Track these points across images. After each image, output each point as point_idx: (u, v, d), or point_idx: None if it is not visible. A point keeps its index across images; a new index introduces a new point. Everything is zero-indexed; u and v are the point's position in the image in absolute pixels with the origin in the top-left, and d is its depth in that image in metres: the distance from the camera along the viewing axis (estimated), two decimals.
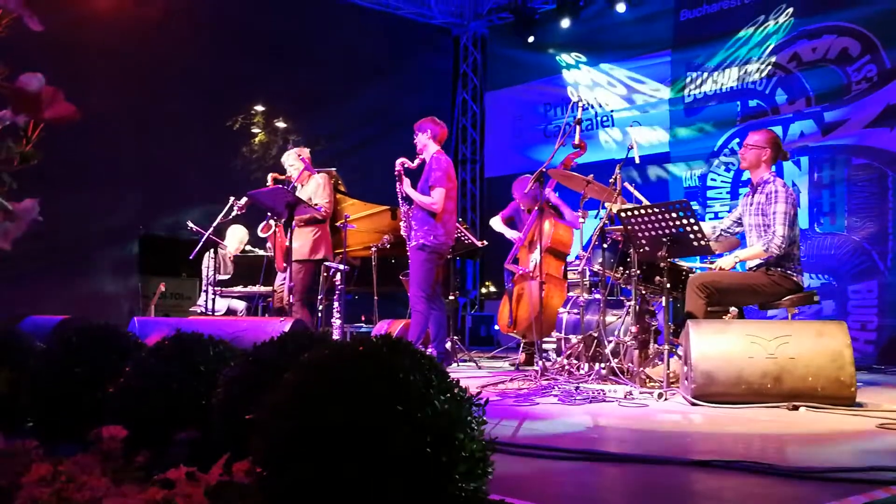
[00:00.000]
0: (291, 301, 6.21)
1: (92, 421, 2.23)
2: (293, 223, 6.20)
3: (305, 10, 10.59)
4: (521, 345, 7.53)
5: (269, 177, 6.84)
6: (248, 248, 8.59)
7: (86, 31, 8.40)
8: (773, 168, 5.33)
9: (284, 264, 6.31)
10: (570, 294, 6.82)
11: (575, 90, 10.76)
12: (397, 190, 6.28)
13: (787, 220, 4.98)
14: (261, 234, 7.17)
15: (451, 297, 7.71)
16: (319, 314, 7.07)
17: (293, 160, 6.92)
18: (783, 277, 5.01)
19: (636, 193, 6.00)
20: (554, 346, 6.61)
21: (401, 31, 11.73)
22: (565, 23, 10.68)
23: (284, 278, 6.34)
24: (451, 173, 6.27)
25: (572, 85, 10.87)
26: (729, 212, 9.03)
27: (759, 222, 5.14)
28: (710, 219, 9.07)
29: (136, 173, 9.16)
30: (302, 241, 6.52)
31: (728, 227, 5.48)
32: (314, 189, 6.71)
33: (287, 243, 6.19)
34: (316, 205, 6.55)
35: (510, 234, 7.41)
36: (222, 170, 9.85)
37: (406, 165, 6.25)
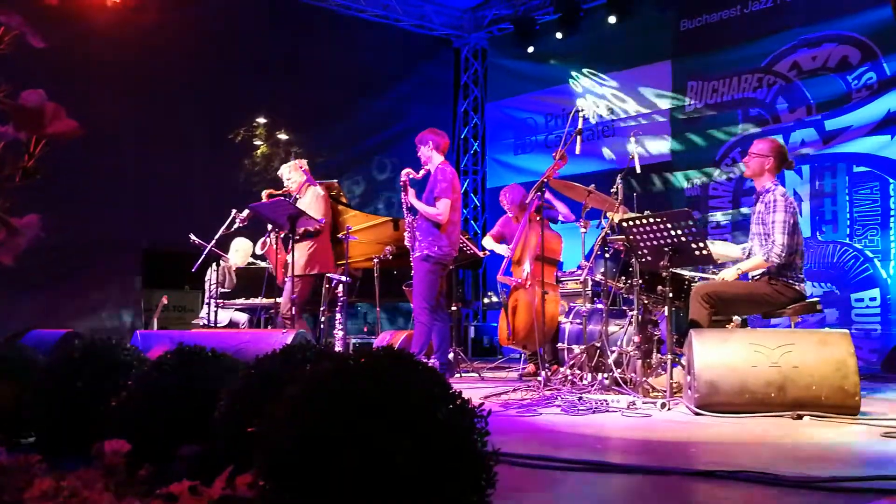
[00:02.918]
0: (290, 314, 6.23)
1: (95, 435, 2.23)
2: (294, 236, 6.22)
3: (306, 23, 10.64)
4: (522, 355, 7.52)
5: (264, 193, 6.81)
6: (252, 260, 8.60)
7: (87, 46, 8.44)
8: (777, 177, 5.31)
9: (285, 278, 6.32)
10: (573, 304, 6.81)
11: (575, 100, 10.78)
12: (402, 200, 6.29)
13: (786, 229, 4.94)
14: (258, 252, 7.17)
15: (454, 308, 7.71)
16: (322, 326, 7.07)
17: (290, 172, 6.91)
18: (786, 287, 5.00)
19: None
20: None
21: (401, 42, 11.78)
22: (566, 33, 10.72)
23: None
24: (456, 184, 6.29)
25: (573, 95, 10.89)
26: (729, 222, 9.05)
27: (760, 231, 5.13)
28: (712, 228, 9.08)
29: (139, 186, 9.19)
30: (297, 256, 6.53)
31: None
32: (309, 202, 6.70)
33: (289, 255, 6.20)
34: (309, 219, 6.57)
35: (500, 249, 7.40)
36: (225, 182, 9.87)
37: (411, 176, 6.27)
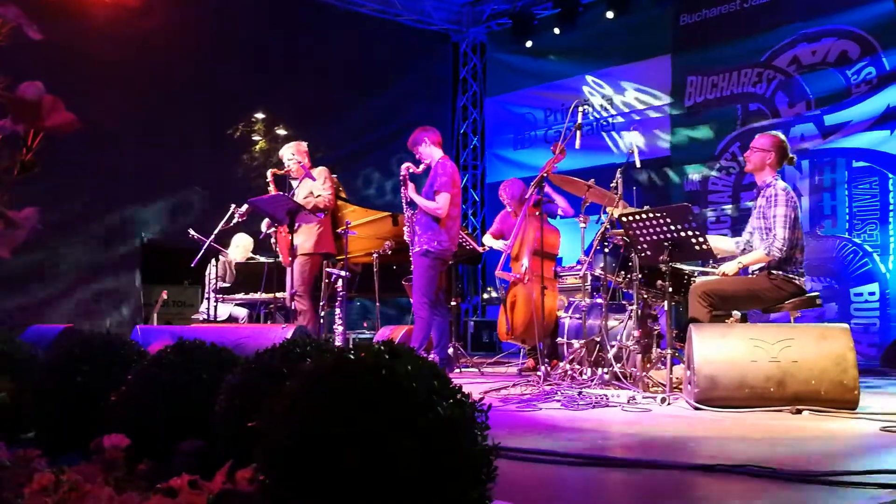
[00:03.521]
0: (297, 294, 6.24)
1: (94, 430, 2.23)
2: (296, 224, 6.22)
3: (305, 18, 10.62)
4: (521, 350, 7.52)
5: (269, 172, 6.80)
6: (252, 255, 8.60)
7: (87, 41, 8.43)
8: (778, 172, 5.31)
9: (290, 259, 6.31)
10: (572, 299, 6.81)
11: (575, 95, 10.76)
12: (402, 194, 6.28)
13: (788, 223, 4.95)
14: (264, 230, 7.13)
15: (453, 303, 7.71)
16: (322, 320, 7.07)
17: (292, 153, 6.88)
18: (785, 281, 5.00)
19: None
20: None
21: (400, 37, 11.75)
22: (564, 28, 10.70)
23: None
24: (457, 179, 6.28)
25: (572, 90, 10.87)
26: (729, 217, 9.04)
27: (761, 225, 5.13)
28: (712, 223, 9.08)
29: (138, 182, 9.19)
30: (305, 237, 6.53)
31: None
32: (316, 182, 6.70)
33: (290, 247, 6.20)
34: (318, 196, 6.55)
35: (499, 245, 7.40)
36: (223, 178, 9.87)
37: (412, 170, 6.26)
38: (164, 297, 8.50)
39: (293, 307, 6.30)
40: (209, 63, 9.55)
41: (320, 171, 6.78)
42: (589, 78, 10.76)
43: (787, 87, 8.73)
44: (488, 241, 7.56)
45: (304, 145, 6.97)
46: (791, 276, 5.02)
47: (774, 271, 5.02)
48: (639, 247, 5.00)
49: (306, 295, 6.45)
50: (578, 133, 5.77)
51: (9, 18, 1.35)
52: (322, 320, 6.89)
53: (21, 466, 1.98)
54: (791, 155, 5.36)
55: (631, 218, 4.92)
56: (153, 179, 9.27)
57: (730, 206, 9.09)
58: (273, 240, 7.12)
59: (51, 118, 1.38)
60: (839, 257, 8.18)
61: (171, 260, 8.89)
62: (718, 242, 5.58)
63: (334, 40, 10.87)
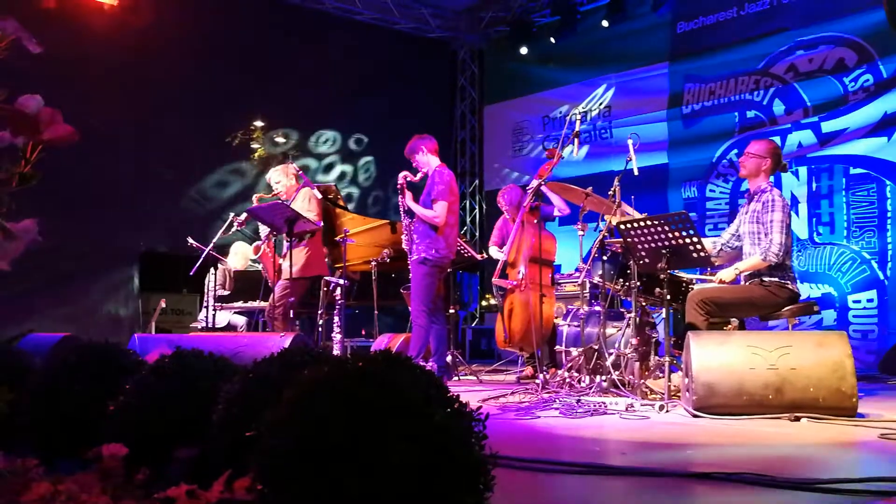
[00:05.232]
0: (279, 315, 6.28)
1: (92, 439, 2.23)
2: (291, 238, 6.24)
3: (303, 26, 10.64)
4: (520, 358, 7.51)
5: (255, 197, 6.82)
6: (251, 263, 8.60)
7: (85, 50, 8.44)
8: (772, 178, 5.35)
9: (279, 280, 6.35)
10: (571, 306, 6.81)
11: (574, 102, 10.78)
12: (399, 203, 6.28)
13: (784, 229, 5.00)
14: (253, 256, 7.17)
15: (451, 311, 7.70)
16: (320, 329, 7.08)
17: (279, 176, 6.93)
18: (779, 287, 5.02)
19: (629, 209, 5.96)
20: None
21: (398, 45, 11.77)
22: (562, 35, 10.72)
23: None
24: (454, 187, 6.28)
25: (570, 97, 10.89)
26: (727, 224, 9.05)
27: (754, 230, 5.16)
28: (710, 230, 9.09)
29: (136, 190, 9.19)
30: (294, 259, 6.54)
31: (728, 241, 5.48)
32: (300, 203, 6.70)
33: (288, 257, 6.21)
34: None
35: (496, 253, 7.39)
36: (221, 185, 9.88)
37: (409, 179, 6.26)
38: (163, 305, 8.49)
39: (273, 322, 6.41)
40: (207, 70, 9.57)
41: (304, 193, 6.78)
42: (586, 85, 10.77)
43: (785, 94, 8.75)
44: (494, 252, 7.53)
45: (291, 167, 6.98)
46: (784, 281, 5.05)
47: (766, 278, 5.05)
48: (637, 254, 5.01)
49: (283, 317, 6.46)
50: (576, 141, 5.78)
51: (8, 32, 1.36)
52: (320, 328, 6.91)
53: (18, 475, 1.98)
54: (784, 162, 5.41)
55: (629, 225, 4.93)
56: (151, 187, 9.28)
57: (727, 213, 9.10)
58: (262, 265, 7.17)
59: (49, 131, 1.38)
60: (837, 264, 8.19)
61: (168, 268, 8.88)
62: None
63: (332, 48, 10.88)
